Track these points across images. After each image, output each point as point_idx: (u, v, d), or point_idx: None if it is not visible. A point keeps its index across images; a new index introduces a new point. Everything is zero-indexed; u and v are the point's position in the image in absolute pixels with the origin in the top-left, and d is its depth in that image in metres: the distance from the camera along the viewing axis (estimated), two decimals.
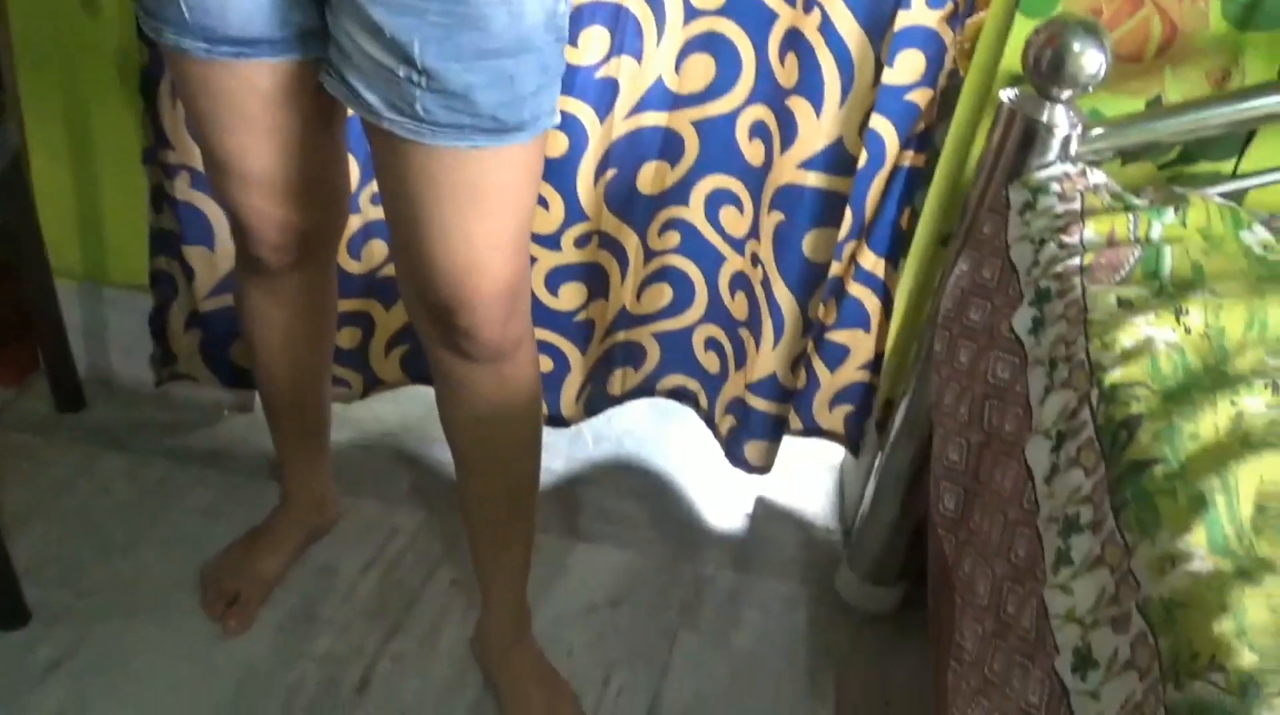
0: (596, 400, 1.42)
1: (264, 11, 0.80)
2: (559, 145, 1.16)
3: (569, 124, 1.14)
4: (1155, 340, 0.77)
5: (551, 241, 1.25)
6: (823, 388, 1.34)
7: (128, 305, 1.33)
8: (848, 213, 1.19)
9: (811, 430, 1.39)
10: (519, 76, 0.75)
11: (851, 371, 1.32)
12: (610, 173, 1.21)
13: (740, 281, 1.28)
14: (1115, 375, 0.74)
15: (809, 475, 1.48)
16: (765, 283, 1.23)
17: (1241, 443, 0.69)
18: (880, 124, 1.13)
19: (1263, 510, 0.64)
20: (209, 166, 0.93)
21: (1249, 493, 0.65)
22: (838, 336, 1.30)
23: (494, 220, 0.83)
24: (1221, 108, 1.01)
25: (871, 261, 1.23)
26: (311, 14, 0.81)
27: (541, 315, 1.29)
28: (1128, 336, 0.78)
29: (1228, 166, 1.10)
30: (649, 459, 1.49)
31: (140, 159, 1.18)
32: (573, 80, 1.11)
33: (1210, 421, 0.70)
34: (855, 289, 1.26)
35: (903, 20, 1.07)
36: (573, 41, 1.08)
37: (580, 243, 1.26)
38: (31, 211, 1.20)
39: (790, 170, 1.15)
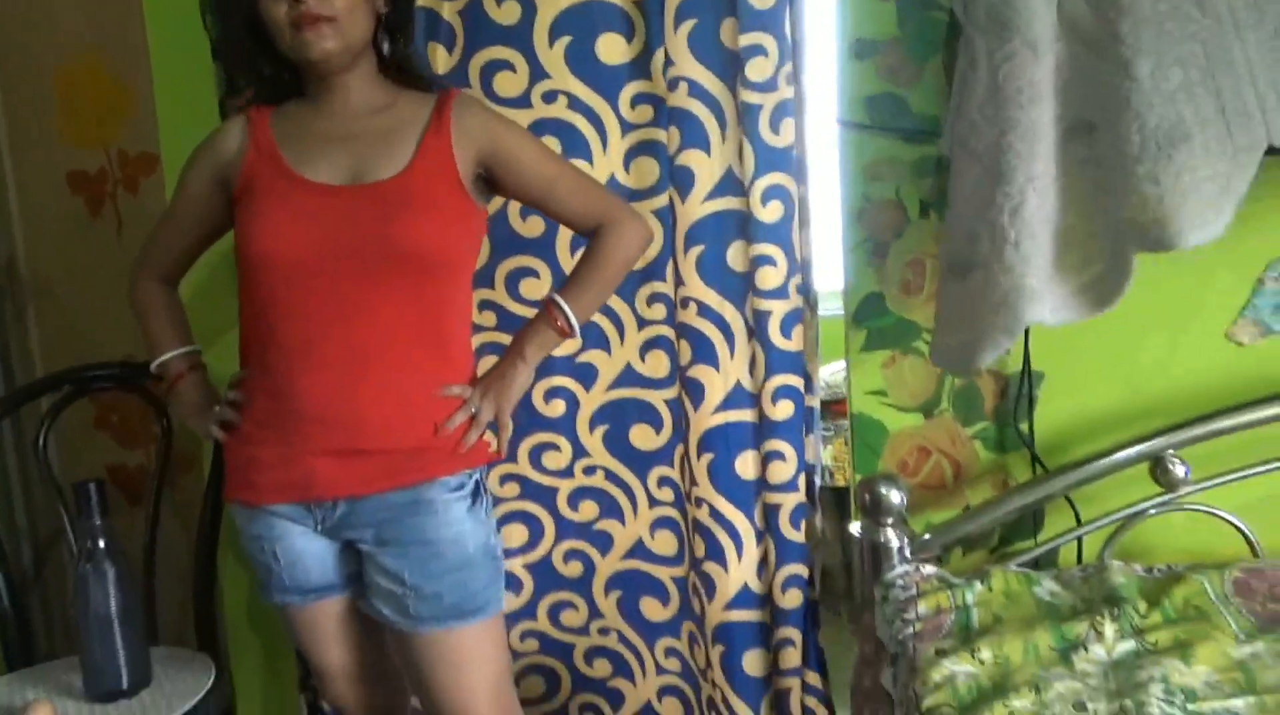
0: None
1: (329, 569, 1.36)
2: None
3: None
4: (956, 674, 1.18)
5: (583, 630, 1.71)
6: None
7: None
8: (795, 645, 1.58)
9: None
10: (468, 582, 1.30)
11: None
12: (617, 593, 1.68)
13: (711, 704, 1.67)
14: (928, 701, 1.14)
15: None
16: (725, 700, 1.62)
17: None
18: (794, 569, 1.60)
19: None
20: (315, 676, 1.46)
21: None
22: None
23: (472, 676, 1.32)
24: (1004, 504, 1.49)
25: (814, 678, 1.62)
26: (354, 565, 1.36)
27: (583, 683, 1.72)
28: (938, 674, 1.18)
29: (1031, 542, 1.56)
30: None
31: (298, 686, 1.69)
32: None
33: None
34: (809, 701, 1.62)
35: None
36: None
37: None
38: None
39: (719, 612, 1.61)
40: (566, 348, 1.60)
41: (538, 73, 1.54)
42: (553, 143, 1.55)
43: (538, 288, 1.60)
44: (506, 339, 1.58)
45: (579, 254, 1.55)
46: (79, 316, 2.07)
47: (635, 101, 1.55)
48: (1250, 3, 1.26)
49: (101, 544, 1.45)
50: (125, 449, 2.08)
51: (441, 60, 1.55)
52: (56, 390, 1.79)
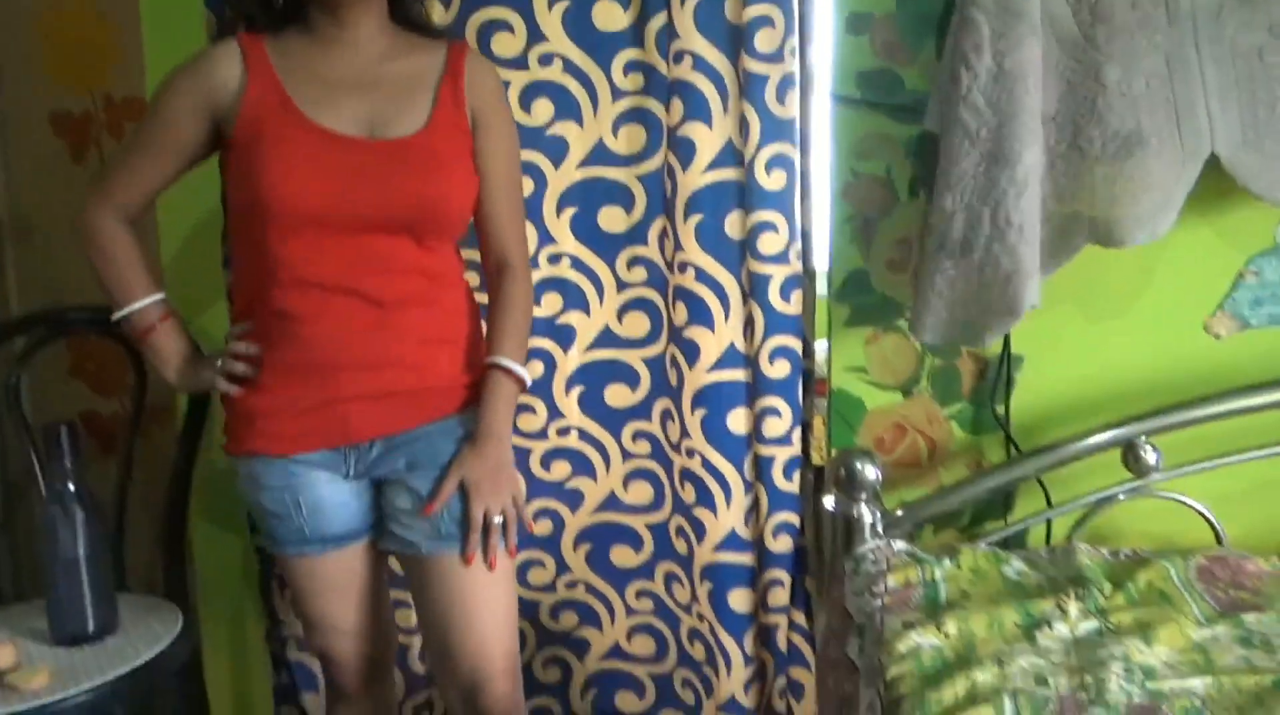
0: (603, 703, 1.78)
1: (352, 515, 1.33)
2: None
3: None
4: (921, 646, 1.19)
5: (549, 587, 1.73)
6: None
7: None
8: (784, 586, 1.62)
9: None
10: None
11: (811, 705, 1.67)
12: (587, 546, 1.71)
13: (695, 634, 1.70)
14: (892, 671, 1.15)
15: None
16: (712, 631, 1.65)
17: (970, 700, 1.08)
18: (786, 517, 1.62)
19: None
20: (309, 629, 1.41)
21: None
22: (796, 674, 1.67)
23: (491, 597, 1.30)
24: (977, 484, 1.51)
25: (800, 617, 1.65)
26: (375, 508, 1.35)
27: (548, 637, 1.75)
28: (904, 645, 1.19)
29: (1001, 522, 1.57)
30: None
31: (264, 637, 1.68)
32: None
33: (951, 691, 1.10)
34: (795, 638, 1.66)
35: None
36: None
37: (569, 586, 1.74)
38: (203, 689, 1.65)
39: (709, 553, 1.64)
40: (546, 309, 1.61)
41: (535, 35, 1.54)
42: (547, 105, 1.56)
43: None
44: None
45: (565, 215, 1.57)
46: (59, 261, 2.05)
47: (628, 69, 1.56)
48: (1212, 15, 1.31)
49: (71, 487, 1.44)
50: (100, 396, 2.07)
51: (437, 15, 1.54)
52: (30, 332, 1.76)
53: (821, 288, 1.62)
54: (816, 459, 1.68)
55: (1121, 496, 1.47)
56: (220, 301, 1.63)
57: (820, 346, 1.64)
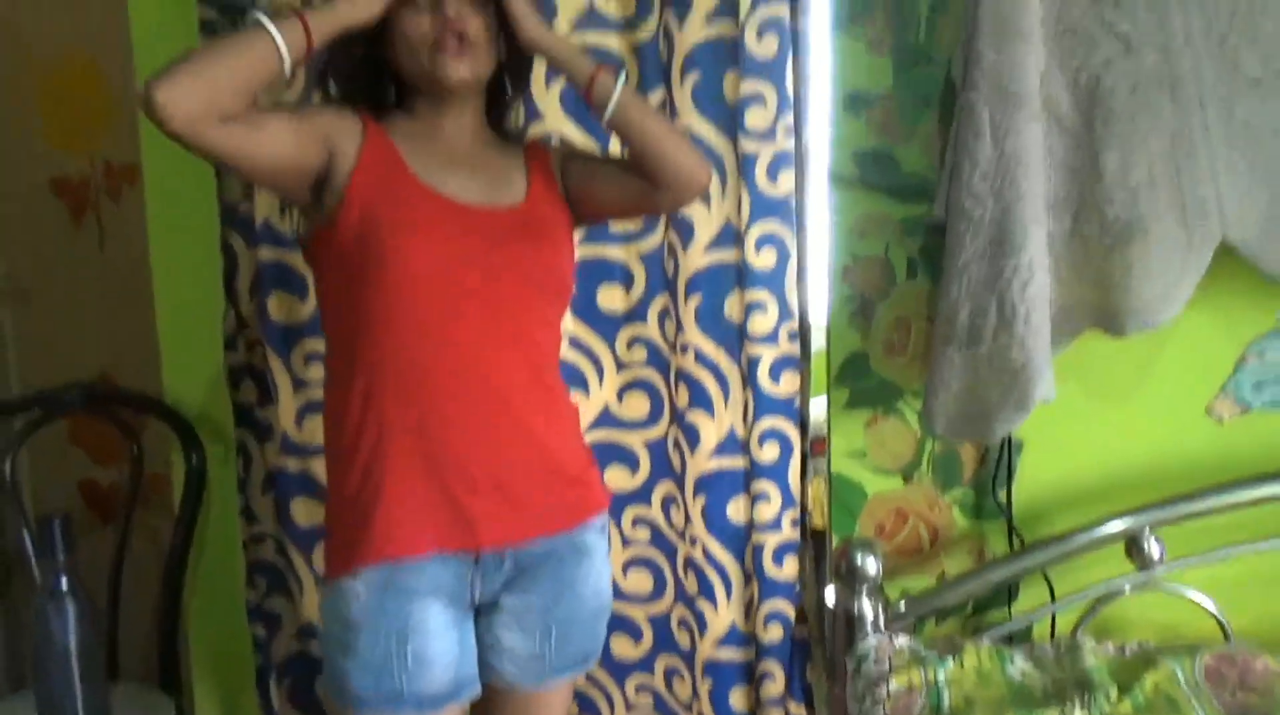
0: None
1: (451, 667, 1.16)
2: None
3: None
4: None
5: None
6: None
7: None
8: (775, 678, 1.59)
9: None
10: (601, 629, 1.28)
11: None
12: None
13: None
14: None
15: None
16: None
17: None
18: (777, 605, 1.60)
19: None
20: None
21: None
22: None
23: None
24: (980, 578, 1.48)
25: (801, 711, 1.61)
26: (473, 661, 1.21)
27: None
28: None
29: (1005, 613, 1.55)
30: None
31: None
32: None
33: None
34: None
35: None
36: None
37: None
38: None
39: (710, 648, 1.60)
40: None
41: (532, 114, 1.52)
42: None
43: None
44: None
45: None
46: (59, 329, 2.04)
47: None
48: (1223, 97, 1.28)
49: (63, 581, 1.43)
50: (98, 466, 2.05)
51: None
52: (27, 411, 1.76)
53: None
54: (818, 521, 1.64)
55: (1127, 590, 1.44)
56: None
57: (821, 406, 1.60)
